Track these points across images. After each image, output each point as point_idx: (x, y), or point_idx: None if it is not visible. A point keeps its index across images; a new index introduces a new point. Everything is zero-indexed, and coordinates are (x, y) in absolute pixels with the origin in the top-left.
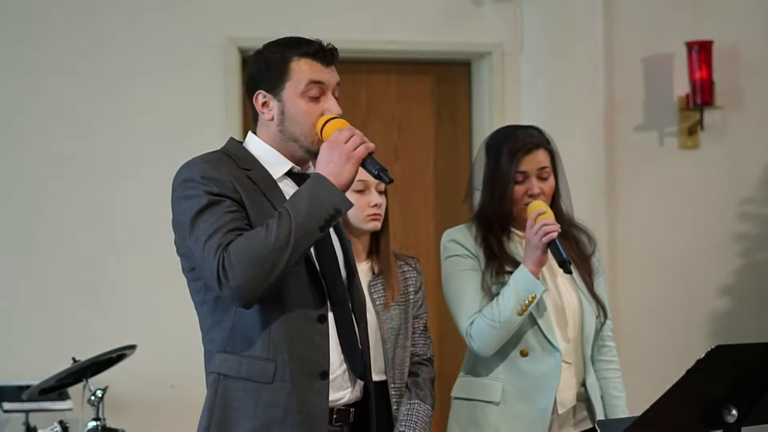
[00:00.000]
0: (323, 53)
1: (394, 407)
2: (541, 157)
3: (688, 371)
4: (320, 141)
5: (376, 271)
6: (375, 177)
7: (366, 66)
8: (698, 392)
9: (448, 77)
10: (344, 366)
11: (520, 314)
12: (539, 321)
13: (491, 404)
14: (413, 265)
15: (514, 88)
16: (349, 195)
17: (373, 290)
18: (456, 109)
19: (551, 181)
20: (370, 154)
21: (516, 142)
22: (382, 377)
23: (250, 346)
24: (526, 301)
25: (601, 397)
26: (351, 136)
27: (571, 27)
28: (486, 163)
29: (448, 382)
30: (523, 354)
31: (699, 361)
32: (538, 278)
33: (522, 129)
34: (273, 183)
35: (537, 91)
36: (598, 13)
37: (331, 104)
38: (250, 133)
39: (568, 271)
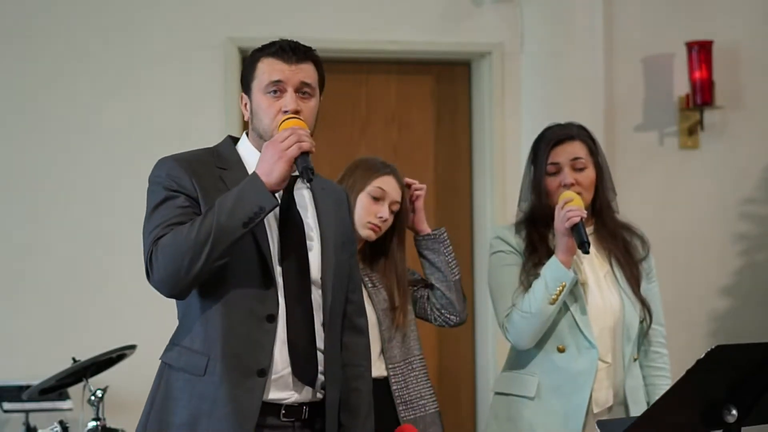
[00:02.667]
0: (283, 51)
1: (397, 401)
2: (575, 148)
3: (688, 371)
4: None
5: (375, 281)
6: (299, 174)
7: (366, 66)
8: (698, 392)
9: (448, 77)
10: (288, 370)
11: (552, 303)
12: (577, 317)
13: (526, 399)
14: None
15: (514, 88)
16: (363, 199)
17: (374, 297)
18: (456, 109)
19: (588, 172)
20: (304, 154)
21: (549, 136)
22: (384, 374)
23: (190, 339)
24: (557, 291)
25: (647, 403)
26: (288, 136)
27: (571, 27)
28: (528, 163)
29: (447, 381)
30: (560, 350)
31: (699, 361)
32: (569, 267)
33: (560, 125)
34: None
35: (537, 91)
36: (598, 13)
37: (288, 100)
38: (243, 135)
39: (585, 252)
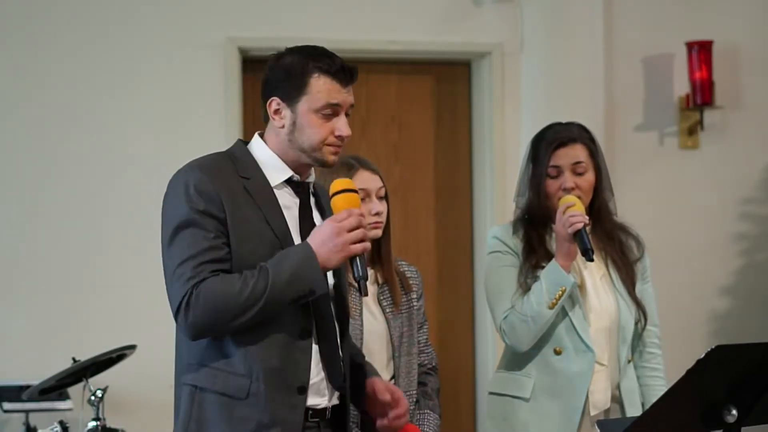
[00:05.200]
0: (343, 73)
1: None
2: (576, 152)
3: (688, 371)
4: (324, 155)
5: (380, 281)
6: (354, 278)
7: (366, 66)
8: (698, 392)
9: (448, 77)
10: (322, 374)
11: (551, 308)
12: (574, 320)
13: (521, 400)
14: (415, 273)
15: (514, 88)
16: None
17: (381, 298)
18: (456, 109)
19: (588, 176)
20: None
21: (551, 137)
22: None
23: (226, 361)
24: (556, 295)
25: (642, 404)
26: (355, 228)
27: (571, 27)
28: (527, 159)
29: (447, 382)
30: (557, 352)
31: (699, 361)
32: (569, 272)
33: (562, 124)
34: (269, 192)
35: (537, 91)
36: (598, 13)
37: (341, 124)
38: (256, 136)
39: (590, 260)
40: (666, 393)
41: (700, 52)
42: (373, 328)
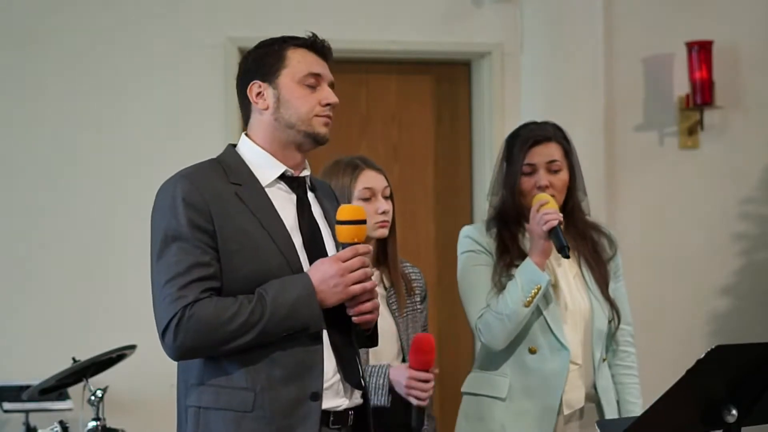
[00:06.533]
0: (319, 45)
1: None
2: (551, 150)
3: (688, 371)
4: (314, 126)
5: (387, 284)
6: (354, 329)
7: (366, 66)
8: (698, 392)
9: (448, 77)
10: (338, 375)
11: (526, 306)
12: (548, 319)
13: (497, 400)
14: (418, 275)
15: (514, 88)
16: (356, 203)
17: (390, 302)
18: (456, 109)
19: (563, 175)
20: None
21: (526, 135)
22: None
23: (227, 377)
24: (531, 293)
25: (617, 402)
26: (358, 268)
27: (571, 27)
28: (501, 158)
29: (448, 381)
30: (531, 351)
31: (699, 361)
32: (544, 270)
33: (537, 123)
34: (263, 196)
35: (537, 91)
36: (598, 13)
37: (327, 92)
38: (242, 136)
39: (566, 256)
40: (666, 393)
41: (700, 52)
42: (381, 327)
